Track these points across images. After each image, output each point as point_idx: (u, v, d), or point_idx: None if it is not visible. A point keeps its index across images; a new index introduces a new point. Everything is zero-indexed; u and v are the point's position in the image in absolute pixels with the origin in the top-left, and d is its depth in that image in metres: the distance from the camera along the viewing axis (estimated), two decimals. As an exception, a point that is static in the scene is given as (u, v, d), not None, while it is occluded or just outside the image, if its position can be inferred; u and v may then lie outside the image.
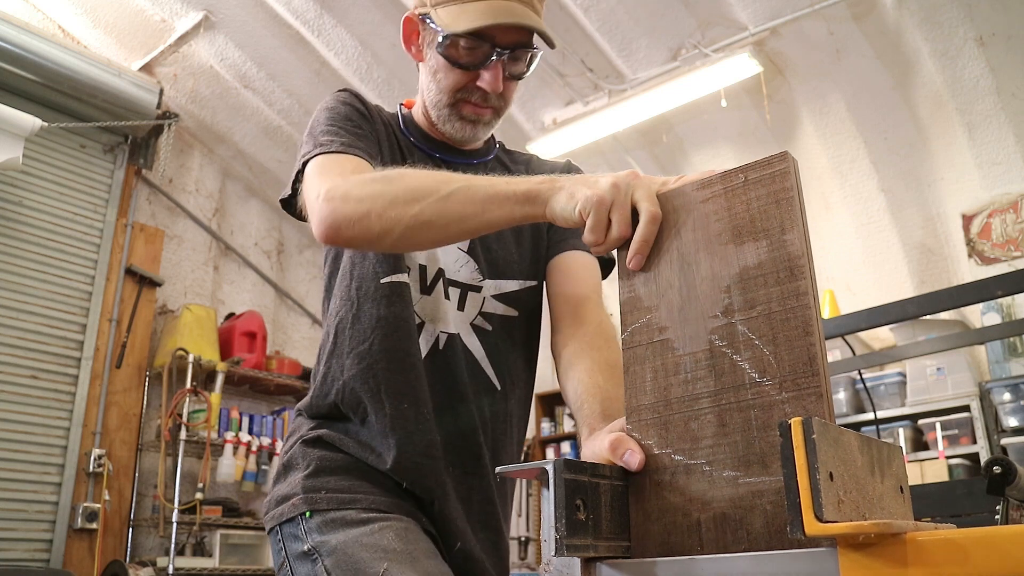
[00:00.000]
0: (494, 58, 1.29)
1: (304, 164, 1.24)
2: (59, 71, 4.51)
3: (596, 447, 0.96)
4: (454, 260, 1.35)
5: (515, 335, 1.39)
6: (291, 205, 1.33)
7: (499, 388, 1.35)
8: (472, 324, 1.34)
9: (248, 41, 4.88)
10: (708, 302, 0.79)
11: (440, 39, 1.29)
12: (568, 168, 1.54)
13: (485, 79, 1.30)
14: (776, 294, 0.75)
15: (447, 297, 1.33)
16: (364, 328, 1.28)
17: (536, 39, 1.34)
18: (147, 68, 5.06)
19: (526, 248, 1.43)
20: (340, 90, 1.39)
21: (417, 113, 1.45)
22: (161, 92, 4.97)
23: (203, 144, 5.70)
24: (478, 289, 1.36)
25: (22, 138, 4.20)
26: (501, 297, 1.37)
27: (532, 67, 1.36)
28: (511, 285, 1.39)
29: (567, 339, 1.31)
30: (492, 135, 1.50)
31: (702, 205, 0.83)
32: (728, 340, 0.77)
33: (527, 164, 1.55)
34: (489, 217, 1.03)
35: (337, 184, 1.12)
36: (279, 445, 5.13)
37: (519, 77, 1.35)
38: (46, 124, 4.36)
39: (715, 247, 0.81)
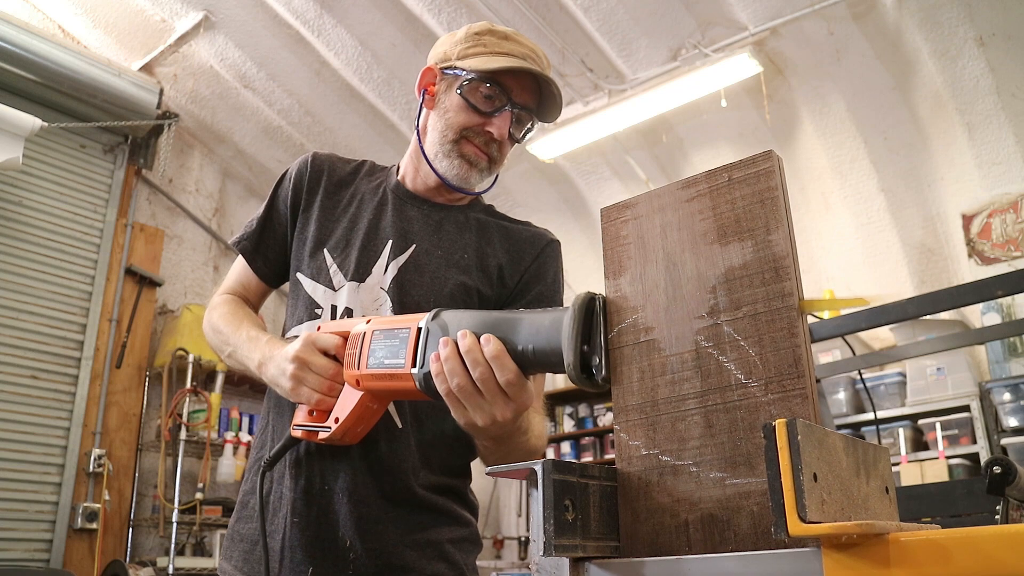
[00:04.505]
0: (507, 109, 1.39)
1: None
2: (59, 71, 4.51)
3: None
4: (372, 299, 1.37)
5: None
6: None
7: (399, 427, 1.33)
8: None
9: (248, 41, 4.88)
10: (694, 302, 0.79)
11: (465, 80, 1.39)
12: (545, 242, 1.51)
13: (495, 124, 1.39)
14: (761, 295, 0.75)
15: None
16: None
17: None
18: (147, 68, 5.07)
19: (455, 302, 1.39)
20: (309, 154, 1.57)
21: (403, 168, 1.53)
22: (161, 92, 4.98)
23: (203, 144, 5.71)
24: None
25: (22, 138, 4.21)
26: None
27: (527, 136, 1.48)
28: None
29: None
30: (480, 199, 1.55)
31: (687, 204, 0.82)
32: (714, 341, 0.77)
33: (505, 231, 1.51)
34: (253, 374, 1.33)
35: (205, 316, 1.54)
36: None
37: (516, 140, 1.45)
38: (46, 124, 4.36)
39: (700, 247, 0.80)
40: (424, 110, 1.48)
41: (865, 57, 4.44)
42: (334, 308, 1.39)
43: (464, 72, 1.39)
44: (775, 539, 0.58)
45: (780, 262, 0.74)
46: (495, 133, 1.39)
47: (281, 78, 5.12)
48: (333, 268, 1.42)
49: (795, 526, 0.55)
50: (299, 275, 1.46)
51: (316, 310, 1.41)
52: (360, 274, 1.39)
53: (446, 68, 1.43)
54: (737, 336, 0.75)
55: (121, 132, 5.09)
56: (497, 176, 1.51)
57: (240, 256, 1.58)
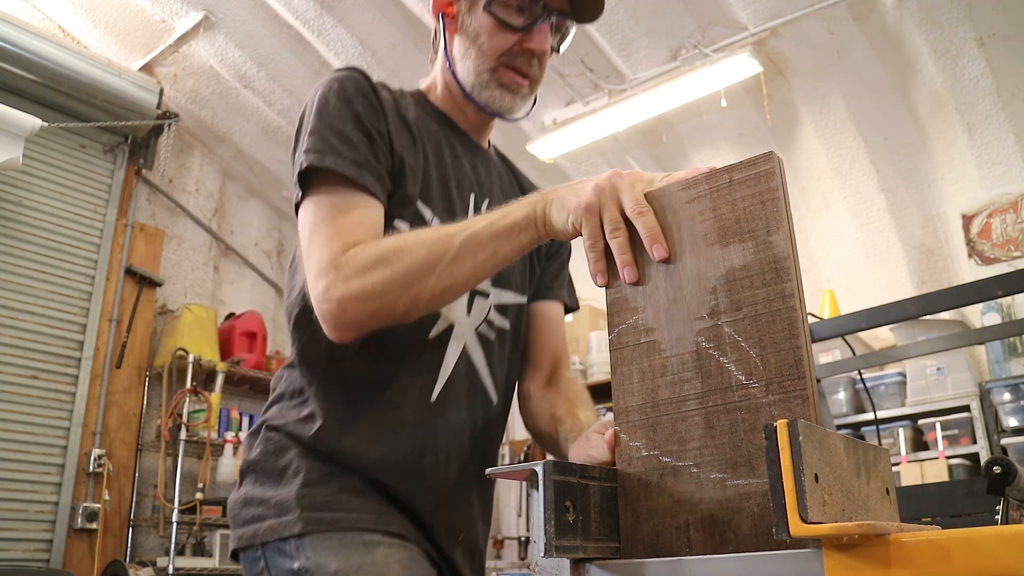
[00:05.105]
0: (543, 19, 1.26)
1: (309, 169, 1.14)
2: (59, 71, 4.51)
3: (589, 448, 0.97)
4: None
5: (507, 348, 1.35)
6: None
7: (495, 402, 1.31)
8: (477, 331, 1.29)
9: (248, 41, 4.88)
10: (694, 303, 0.79)
11: None
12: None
13: (535, 39, 1.26)
14: (762, 296, 0.75)
15: (468, 299, 1.28)
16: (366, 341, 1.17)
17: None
18: (147, 68, 5.07)
19: (523, 262, 1.39)
20: (349, 69, 1.26)
21: (435, 94, 1.39)
22: (161, 92, 4.98)
23: (203, 144, 5.71)
24: (485, 296, 1.31)
25: (22, 138, 4.20)
26: (500, 308, 1.33)
27: (567, 42, 1.35)
28: (508, 297, 1.35)
29: (541, 386, 1.36)
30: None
31: (688, 205, 0.83)
32: (715, 342, 0.77)
33: (516, 174, 1.51)
34: (500, 256, 1.01)
35: (334, 281, 1.05)
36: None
37: (555, 49, 1.34)
38: (46, 124, 4.36)
39: (701, 248, 0.80)
40: (446, 37, 1.33)
41: (865, 57, 4.44)
42: None
43: None
44: (776, 540, 0.58)
45: (781, 263, 0.75)
46: (536, 48, 1.26)
47: (281, 78, 5.11)
48: (435, 223, 1.23)
49: (796, 527, 0.55)
50: (399, 223, 1.21)
51: None
52: None
53: None
54: (738, 337, 0.75)
55: (121, 132, 5.09)
56: (536, 98, 1.38)
57: (358, 195, 1.14)
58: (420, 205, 1.23)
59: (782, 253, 0.75)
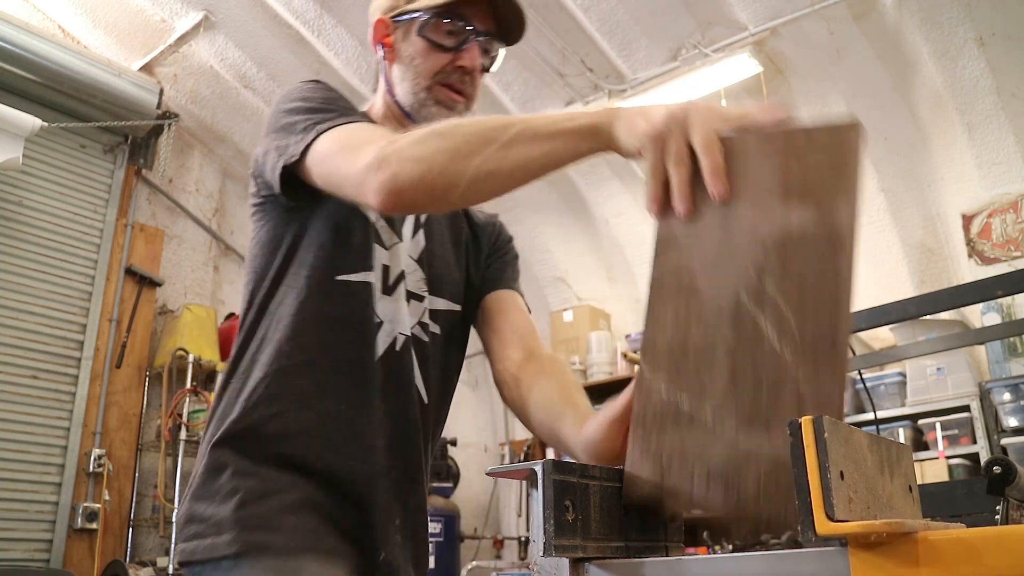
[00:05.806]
0: (473, 39, 1.35)
1: (315, 137, 1.16)
2: (59, 71, 4.50)
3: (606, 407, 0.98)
4: (409, 268, 1.36)
5: (440, 354, 1.39)
6: (286, 182, 1.22)
7: (426, 402, 1.34)
8: (411, 332, 1.33)
9: (248, 41, 4.88)
10: (743, 256, 0.77)
11: (422, 21, 1.33)
12: (494, 222, 1.57)
13: (465, 57, 1.34)
14: (814, 266, 0.72)
15: (406, 300, 1.34)
16: (306, 322, 1.25)
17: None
18: (147, 68, 5.06)
19: (460, 273, 1.45)
20: (313, 81, 1.34)
21: (376, 118, 1.43)
22: (161, 92, 4.97)
23: (203, 144, 5.70)
24: (421, 299, 1.36)
25: (22, 138, 4.20)
26: (433, 313, 1.38)
27: (497, 63, 1.43)
28: (442, 304, 1.40)
29: (522, 364, 1.35)
30: None
31: (758, 154, 0.79)
32: (756, 299, 0.75)
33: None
34: (554, 156, 0.97)
35: (386, 149, 1.04)
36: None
37: (486, 69, 1.42)
38: (46, 124, 4.35)
39: (761, 202, 0.77)
40: (385, 65, 1.40)
41: (865, 57, 4.44)
42: (386, 269, 1.32)
43: (419, 13, 1.33)
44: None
45: (840, 237, 0.72)
46: (468, 65, 1.34)
47: (281, 78, 5.11)
48: (381, 223, 1.33)
49: (823, 525, 0.55)
50: (352, 221, 1.31)
51: (368, 263, 1.30)
52: (400, 235, 1.35)
53: (397, 16, 1.37)
54: (780, 300, 0.73)
55: (121, 132, 5.08)
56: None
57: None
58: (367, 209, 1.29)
59: (844, 227, 0.72)
